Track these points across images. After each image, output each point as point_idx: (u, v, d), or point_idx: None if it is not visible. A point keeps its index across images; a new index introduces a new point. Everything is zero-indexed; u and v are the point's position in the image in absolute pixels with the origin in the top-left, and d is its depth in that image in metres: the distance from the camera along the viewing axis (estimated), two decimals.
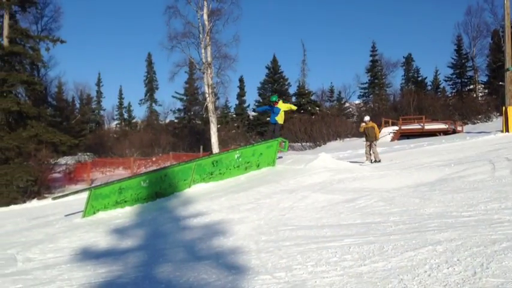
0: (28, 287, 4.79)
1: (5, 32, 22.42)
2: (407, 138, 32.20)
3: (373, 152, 16.28)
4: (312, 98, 55.23)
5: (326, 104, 60.48)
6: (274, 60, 53.44)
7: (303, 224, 6.54)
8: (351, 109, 59.78)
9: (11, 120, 22.18)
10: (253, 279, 4.32)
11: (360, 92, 61.96)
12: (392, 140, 33.89)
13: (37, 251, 6.56)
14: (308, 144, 36.03)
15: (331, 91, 62.15)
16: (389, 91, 61.15)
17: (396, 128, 35.99)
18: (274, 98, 13.28)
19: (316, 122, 38.55)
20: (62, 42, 25.10)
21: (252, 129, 49.34)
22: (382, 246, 4.80)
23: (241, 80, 55.68)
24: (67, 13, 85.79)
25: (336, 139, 35.63)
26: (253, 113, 55.38)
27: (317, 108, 52.70)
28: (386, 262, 4.25)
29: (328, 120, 37.56)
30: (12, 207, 15.98)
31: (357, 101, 63.00)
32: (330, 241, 5.39)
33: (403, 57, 64.74)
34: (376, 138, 16.61)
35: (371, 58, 60.69)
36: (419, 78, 62.04)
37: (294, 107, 13.84)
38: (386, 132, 35.65)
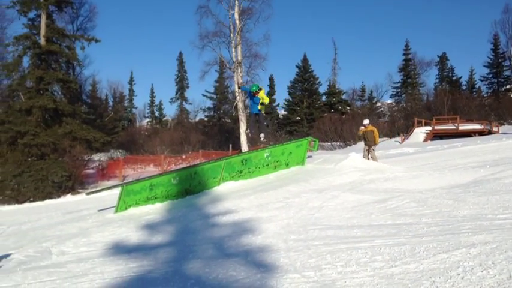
0: (62, 279, 4.93)
1: (42, 31, 23.10)
2: (441, 139, 31.48)
3: (371, 157, 15.51)
4: (343, 97, 54.67)
5: (357, 103, 59.79)
6: (305, 59, 53.15)
7: (333, 224, 6.49)
8: (382, 109, 58.85)
9: (47, 117, 22.85)
10: (282, 278, 4.31)
11: (392, 91, 60.92)
12: (425, 140, 33.22)
13: (71, 245, 6.75)
14: (338, 143, 35.71)
15: (363, 90, 61.36)
16: (422, 91, 59.87)
17: (429, 128, 35.26)
18: (254, 88, 12.24)
19: (347, 121, 38.16)
20: (96, 41, 25.67)
21: (281, 128, 49.25)
22: (413, 248, 4.71)
23: (271, 79, 55.70)
24: (101, 13, 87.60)
25: None
26: (283, 112, 55.26)
27: (347, 108, 52.09)
28: (418, 264, 4.17)
29: (359, 120, 37.06)
30: (48, 201, 16.50)
31: (389, 101, 61.97)
32: (360, 241, 5.33)
33: (438, 56, 63.38)
34: (374, 143, 15.72)
35: (404, 57, 59.55)
36: (454, 78, 60.50)
37: (267, 100, 12.67)
38: (419, 132, 34.98)
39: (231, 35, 25.16)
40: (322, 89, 55.87)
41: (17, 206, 15.94)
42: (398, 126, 42.17)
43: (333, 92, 52.89)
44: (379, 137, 18.67)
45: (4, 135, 20.94)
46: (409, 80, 58.62)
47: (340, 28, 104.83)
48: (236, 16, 25.13)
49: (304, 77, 52.78)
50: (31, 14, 24.30)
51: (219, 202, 9.13)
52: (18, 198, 18.22)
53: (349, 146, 33.91)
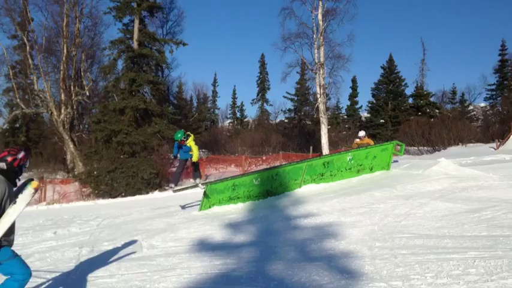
0: (152, 272, 5.17)
1: (135, 35, 24.58)
2: None
3: None
4: (431, 99, 51.99)
5: (447, 106, 56.53)
6: (391, 60, 51.23)
7: (421, 233, 6.17)
8: (475, 112, 55.08)
9: (138, 117, 24.27)
10: (367, 286, 4.18)
11: (487, 94, 56.70)
12: None
13: (159, 239, 7.07)
14: (425, 148, 33.94)
15: (453, 92, 57.83)
16: None
17: None
18: (179, 136, 10.21)
19: (436, 125, 36.12)
20: (184, 44, 26.81)
21: (364, 131, 48.02)
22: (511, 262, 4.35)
23: (354, 81, 54.38)
24: (188, 16, 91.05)
25: (458, 144, 33.04)
26: (366, 114, 53.82)
27: (436, 111, 49.41)
28: None
29: (449, 124, 34.94)
30: (137, 197, 17.46)
31: (483, 104, 57.75)
32: (452, 253, 5.02)
33: None
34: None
35: (500, 57, 55.32)
36: None
37: (196, 152, 10.38)
38: None
39: (314, 36, 24.97)
40: (409, 91, 53.60)
41: (110, 200, 17.04)
42: (492, 131, 39.22)
43: (421, 94, 50.42)
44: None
45: (100, 133, 22.59)
46: (505, 82, 54.28)
47: (430, 28, 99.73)
48: (320, 17, 24.89)
49: (390, 78, 50.92)
50: (125, 20, 26.02)
51: (301, 204, 9.08)
52: (112, 192, 19.53)
53: (438, 151, 32.11)
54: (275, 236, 6.73)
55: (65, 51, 27.59)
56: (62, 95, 27.93)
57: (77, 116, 30.31)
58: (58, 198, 19.72)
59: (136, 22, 24.56)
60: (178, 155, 10.74)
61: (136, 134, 22.11)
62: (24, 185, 3.82)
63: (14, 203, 3.67)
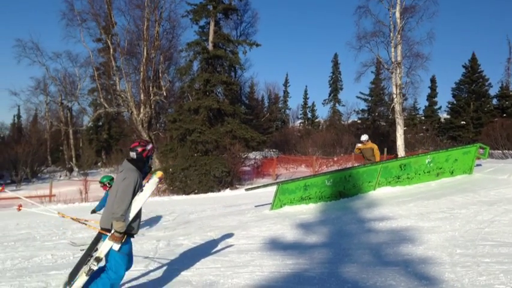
0: (225, 267, 5.27)
1: (210, 37, 25.23)
2: None
3: None
4: None
5: None
6: (473, 59, 48.22)
7: (507, 241, 5.75)
8: None
9: (212, 117, 24.89)
10: None
11: None
12: None
13: (232, 236, 7.19)
14: (511, 152, 31.61)
15: None
16: None
17: None
18: (104, 179, 8.36)
19: None
20: (257, 45, 27.09)
21: (443, 133, 45.54)
22: None
23: (433, 80, 51.83)
24: (262, 18, 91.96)
25: None
26: (445, 116, 51.16)
27: None
28: None
29: None
30: (210, 194, 17.92)
31: None
32: None
33: None
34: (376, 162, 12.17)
35: None
36: None
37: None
38: None
39: (391, 34, 24.07)
40: (493, 91, 50.11)
41: (184, 197, 17.62)
42: None
43: (506, 95, 46.99)
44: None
45: (176, 132, 23.47)
46: None
47: None
48: (397, 15, 23.96)
49: (472, 78, 47.98)
50: (201, 22, 26.79)
51: (375, 207, 8.81)
52: (185, 189, 20.19)
53: None
54: (348, 238, 6.59)
55: (145, 53, 28.94)
56: (142, 95, 29.31)
57: (154, 115, 31.64)
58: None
59: (212, 24, 25.20)
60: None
61: (209, 133, 22.69)
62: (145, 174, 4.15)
63: (141, 191, 3.95)
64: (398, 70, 24.09)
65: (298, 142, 43.63)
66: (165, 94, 29.88)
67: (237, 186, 20.82)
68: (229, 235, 7.24)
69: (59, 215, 4.22)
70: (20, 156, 31.76)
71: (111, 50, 29.52)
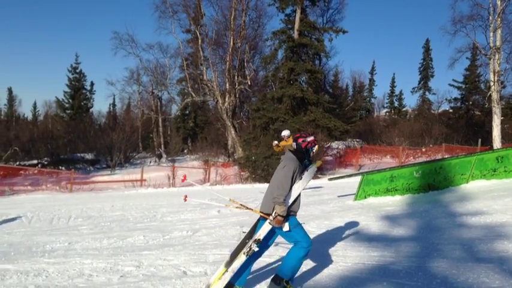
0: (308, 256, 5.27)
1: (296, 25, 25.13)
2: None
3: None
4: None
5: None
6: None
7: None
8: None
9: (295, 106, 24.89)
10: None
11: None
12: None
13: (314, 226, 7.18)
14: None
15: None
16: None
17: None
18: None
19: None
20: (344, 32, 26.54)
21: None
22: None
23: None
24: (349, 3, 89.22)
25: None
26: None
27: None
28: None
29: None
30: None
31: None
32: None
33: None
34: None
35: None
36: None
37: None
38: None
39: (490, 17, 22.30)
40: None
41: (266, 185, 17.77)
42: None
43: None
44: None
45: (259, 120, 23.83)
46: None
47: None
48: None
49: None
50: (288, 10, 26.75)
51: (467, 201, 8.30)
52: (267, 178, 20.43)
53: None
54: (437, 232, 6.28)
55: (231, 43, 29.59)
56: (227, 84, 30.07)
57: (238, 104, 32.35)
58: (220, 180, 21.40)
59: (298, 12, 25.09)
60: None
61: (292, 122, 22.74)
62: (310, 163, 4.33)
63: (300, 178, 4.13)
64: (497, 56, 22.32)
65: (384, 132, 42.20)
66: (249, 83, 30.38)
67: (319, 176, 20.66)
68: (312, 224, 7.25)
69: (230, 201, 4.60)
70: (114, 142, 34.03)
71: (199, 41, 30.55)
